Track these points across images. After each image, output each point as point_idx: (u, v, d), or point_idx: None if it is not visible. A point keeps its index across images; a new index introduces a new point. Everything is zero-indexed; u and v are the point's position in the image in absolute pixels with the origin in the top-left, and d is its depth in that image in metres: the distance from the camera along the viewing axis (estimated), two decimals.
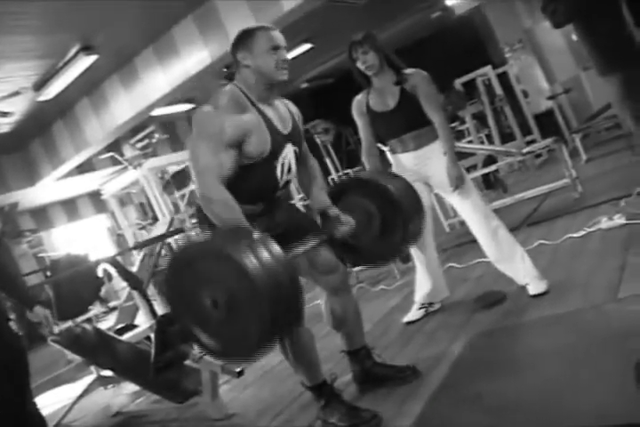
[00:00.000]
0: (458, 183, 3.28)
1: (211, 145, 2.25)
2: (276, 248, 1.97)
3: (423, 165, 3.38)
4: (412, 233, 2.71)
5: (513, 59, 10.94)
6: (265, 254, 1.92)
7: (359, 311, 2.77)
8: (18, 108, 7.90)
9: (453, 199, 3.42)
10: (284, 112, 2.52)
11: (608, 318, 2.61)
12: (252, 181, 2.37)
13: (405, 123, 3.36)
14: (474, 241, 3.55)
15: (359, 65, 3.27)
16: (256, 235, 2.03)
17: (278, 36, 2.41)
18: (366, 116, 3.43)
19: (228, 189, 2.24)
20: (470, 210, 3.36)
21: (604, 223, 4.03)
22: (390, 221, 2.64)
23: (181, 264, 2.07)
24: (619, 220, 3.95)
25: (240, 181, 2.32)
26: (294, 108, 2.63)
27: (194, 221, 7.28)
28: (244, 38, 2.41)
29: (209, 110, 2.32)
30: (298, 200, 8.62)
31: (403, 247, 2.78)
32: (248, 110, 2.36)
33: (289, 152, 2.48)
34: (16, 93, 7.32)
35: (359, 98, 3.45)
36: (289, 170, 2.50)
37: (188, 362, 3.54)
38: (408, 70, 3.33)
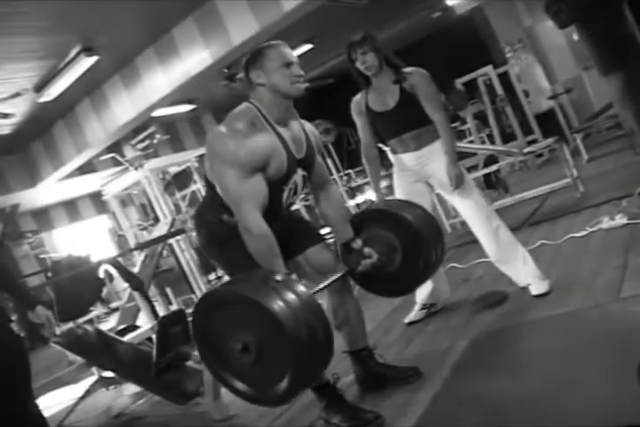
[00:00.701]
0: (458, 183, 3.27)
1: (239, 172, 2.25)
2: (305, 291, 1.99)
3: (424, 165, 3.38)
4: (434, 262, 2.71)
5: (514, 58, 10.94)
6: (293, 297, 1.93)
7: (361, 312, 2.77)
8: (19, 109, 7.90)
9: (454, 199, 3.41)
10: (298, 133, 2.52)
11: (610, 318, 2.60)
12: None
13: (405, 122, 3.35)
14: (475, 241, 3.55)
15: (358, 65, 3.26)
16: (285, 278, 2.06)
17: (289, 52, 2.41)
18: (365, 115, 3.41)
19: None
20: (471, 210, 3.36)
21: (606, 223, 4.02)
22: (411, 251, 2.64)
23: (210, 307, 2.08)
24: (620, 219, 3.94)
25: None
26: (310, 128, 2.63)
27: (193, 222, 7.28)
28: (255, 58, 2.40)
29: (227, 133, 2.31)
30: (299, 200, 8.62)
31: (425, 277, 2.79)
32: (266, 132, 2.36)
33: (298, 178, 2.50)
34: (17, 95, 7.32)
35: (358, 98, 3.44)
36: (294, 193, 2.53)
37: (189, 363, 3.55)
38: (407, 69, 3.31)
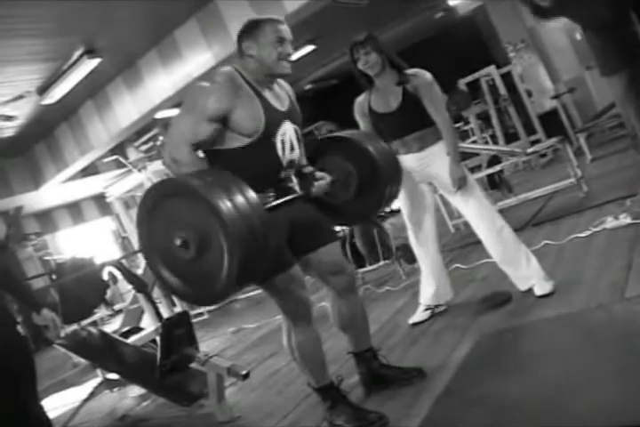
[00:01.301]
0: (460, 184, 3.26)
1: (192, 116, 2.29)
2: (251, 193, 2.00)
3: (426, 166, 3.37)
4: (389, 196, 2.75)
5: (516, 58, 10.93)
6: (240, 198, 1.95)
7: (365, 313, 2.77)
8: (22, 111, 7.91)
9: (457, 200, 3.40)
10: (279, 91, 2.53)
11: (615, 318, 2.60)
12: (253, 161, 2.35)
13: (408, 124, 3.35)
14: (479, 242, 3.54)
15: (361, 66, 3.26)
16: (232, 178, 2.05)
17: (285, 30, 2.42)
18: (368, 117, 3.41)
19: (233, 172, 2.19)
20: (474, 211, 3.35)
21: (610, 223, 4.02)
22: (368, 182, 2.67)
23: (155, 201, 2.09)
24: (624, 219, 3.93)
25: (242, 162, 2.32)
26: (288, 86, 2.63)
27: None
28: (252, 28, 2.43)
29: (201, 85, 2.37)
30: None
31: (379, 209, 2.84)
32: (241, 88, 2.36)
33: (288, 129, 2.45)
34: (20, 97, 7.34)
35: (361, 99, 3.44)
36: (291, 148, 2.46)
37: (193, 365, 3.54)
38: (410, 71, 3.31)
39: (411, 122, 3.34)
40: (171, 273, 2.10)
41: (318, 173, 2.60)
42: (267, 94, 2.43)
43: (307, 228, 2.51)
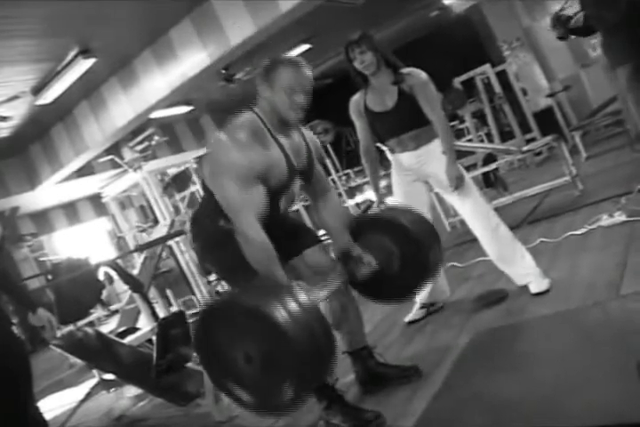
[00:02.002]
0: (457, 183, 3.26)
1: (239, 182, 2.25)
2: (304, 298, 1.99)
3: (423, 165, 3.37)
4: (433, 265, 2.72)
5: (512, 57, 10.94)
6: (296, 308, 1.93)
7: (360, 311, 2.77)
8: (17, 112, 7.90)
9: (453, 198, 3.40)
10: (298, 142, 2.53)
11: (610, 316, 2.60)
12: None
13: (404, 123, 3.34)
14: (474, 240, 3.54)
15: (357, 65, 3.24)
16: (286, 286, 2.07)
17: (302, 76, 2.39)
18: (364, 116, 3.41)
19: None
20: (470, 209, 3.35)
21: (605, 221, 4.02)
22: (409, 256, 2.65)
23: (212, 318, 2.08)
24: (619, 217, 3.94)
25: None
26: (310, 136, 2.63)
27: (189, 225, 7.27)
28: (269, 71, 2.39)
29: (229, 143, 2.30)
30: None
31: (424, 281, 2.78)
32: (268, 143, 2.37)
33: (295, 185, 2.51)
34: (15, 98, 7.32)
35: (356, 98, 3.43)
36: (292, 201, 2.56)
37: (189, 365, 3.54)
38: (406, 70, 3.30)
39: (407, 121, 3.33)
40: (235, 385, 2.08)
41: (365, 258, 2.60)
42: (286, 145, 2.44)
43: (288, 235, 2.56)
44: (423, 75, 3.29)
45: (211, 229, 2.52)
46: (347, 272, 2.59)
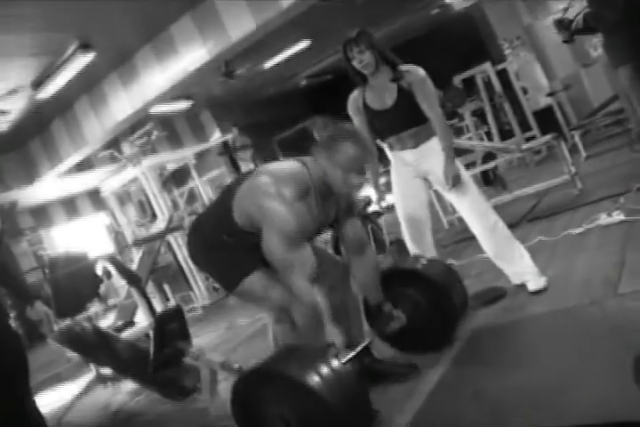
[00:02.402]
0: (455, 182, 3.26)
1: (287, 240, 2.27)
2: (335, 363, 2.08)
3: (422, 162, 3.37)
4: (457, 316, 2.87)
5: (512, 55, 10.92)
6: (329, 373, 2.01)
7: (359, 307, 2.77)
8: (16, 106, 7.88)
9: (452, 196, 3.40)
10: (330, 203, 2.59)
11: (608, 314, 2.60)
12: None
13: (403, 121, 3.33)
14: (473, 238, 3.54)
15: (355, 64, 3.22)
16: (322, 352, 2.16)
17: (362, 156, 2.43)
18: (363, 113, 3.39)
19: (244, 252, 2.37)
20: (468, 206, 3.35)
21: (604, 220, 4.02)
22: (437, 305, 2.77)
23: (250, 385, 2.16)
24: (618, 216, 3.94)
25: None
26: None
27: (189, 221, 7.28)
28: (333, 139, 2.44)
29: (278, 197, 2.30)
30: None
31: (450, 333, 2.88)
32: (312, 201, 2.43)
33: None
34: (14, 92, 7.31)
35: (355, 95, 3.40)
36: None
37: (186, 360, 3.54)
38: (404, 67, 3.29)
39: (406, 118, 3.32)
40: None
41: (395, 313, 2.67)
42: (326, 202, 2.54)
43: None
44: (421, 71, 3.28)
45: (209, 233, 2.54)
46: (375, 327, 2.73)
